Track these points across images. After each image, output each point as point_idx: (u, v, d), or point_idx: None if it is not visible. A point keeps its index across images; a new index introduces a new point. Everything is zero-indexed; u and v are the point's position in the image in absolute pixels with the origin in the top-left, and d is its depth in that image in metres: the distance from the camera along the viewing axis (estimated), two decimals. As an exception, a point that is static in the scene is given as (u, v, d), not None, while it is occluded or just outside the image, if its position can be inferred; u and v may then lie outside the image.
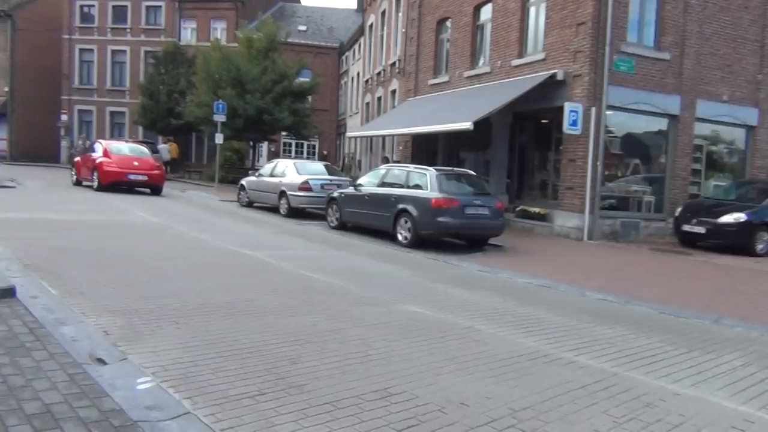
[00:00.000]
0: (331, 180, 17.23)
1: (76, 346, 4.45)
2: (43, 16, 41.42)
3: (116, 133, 40.40)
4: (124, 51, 40.53)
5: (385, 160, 20.83)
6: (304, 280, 7.94)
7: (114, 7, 40.65)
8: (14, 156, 40.92)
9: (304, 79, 29.15)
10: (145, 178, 19.84)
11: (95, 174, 19.72)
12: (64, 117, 40.82)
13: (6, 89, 41.59)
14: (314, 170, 17.99)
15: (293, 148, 40.87)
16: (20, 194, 17.19)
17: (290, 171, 17.41)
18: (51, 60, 41.43)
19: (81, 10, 41.29)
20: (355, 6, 43.47)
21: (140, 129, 38.41)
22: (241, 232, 12.83)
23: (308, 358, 4.68)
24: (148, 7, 40.04)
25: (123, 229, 11.72)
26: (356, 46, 35.22)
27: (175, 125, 32.11)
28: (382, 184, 13.87)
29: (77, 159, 22.50)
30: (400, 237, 12.80)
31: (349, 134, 27.67)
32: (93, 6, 40.98)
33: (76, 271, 7.29)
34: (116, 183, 19.54)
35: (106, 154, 19.92)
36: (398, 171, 13.95)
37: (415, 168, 13.56)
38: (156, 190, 20.34)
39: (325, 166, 19.54)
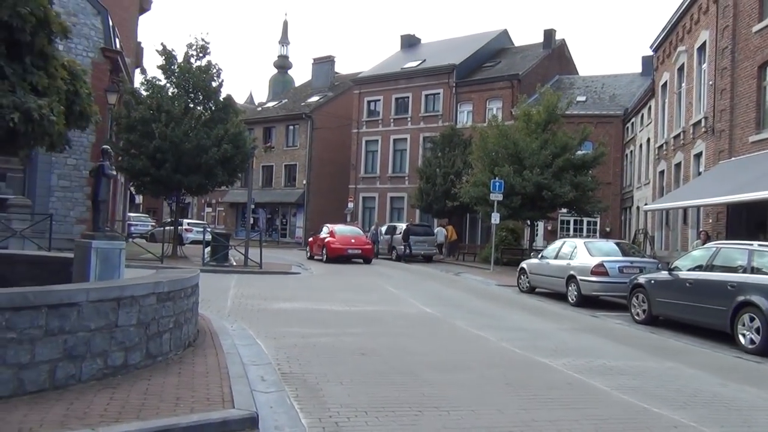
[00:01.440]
0: (631, 262, 14.31)
1: None
2: (336, 115, 45.59)
3: (395, 216, 41.80)
4: (405, 139, 42.31)
5: (705, 236, 17.03)
6: (644, 417, 5.44)
7: (397, 99, 43.01)
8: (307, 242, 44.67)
9: (585, 151, 26.64)
10: (359, 251, 25.20)
11: (324, 250, 24.41)
12: (350, 204, 43.60)
13: (304, 182, 46.13)
14: (607, 250, 15.23)
15: (571, 226, 37.92)
16: (302, 282, 17.35)
17: (580, 252, 14.93)
18: (341, 153, 45.04)
19: (368, 106, 44.50)
20: (639, 69, 39.90)
21: (417, 212, 39.10)
22: (530, 328, 10.68)
23: None
24: (427, 96, 41.51)
25: (395, 322, 10.41)
26: (644, 111, 31.69)
27: (450, 207, 31.74)
28: (710, 267, 10.67)
29: (310, 239, 28.64)
30: (742, 339, 9.48)
31: (647, 207, 24.05)
32: (378, 101, 43.88)
33: (337, 387, 5.87)
34: (339, 256, 24.03)
35: (332, 234, 25.04)
36: (735, 251, 10.60)
37: (761, 246, 10.15)
38: (367, 260, 25.07)
39: (619, 245, 16.57)
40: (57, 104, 8.22)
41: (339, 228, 26.79)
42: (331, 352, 7.52)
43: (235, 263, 18.90)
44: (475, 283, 19.59)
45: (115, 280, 7.70)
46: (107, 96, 21.60)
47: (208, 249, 18.72)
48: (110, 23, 23.16)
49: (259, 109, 55.90)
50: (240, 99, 72.53)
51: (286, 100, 53.40)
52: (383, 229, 34.17)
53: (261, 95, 59.77)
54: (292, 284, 15.97)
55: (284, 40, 78.99)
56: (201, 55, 21.56)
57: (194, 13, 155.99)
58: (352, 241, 25.35)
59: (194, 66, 21.41)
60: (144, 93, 20.75)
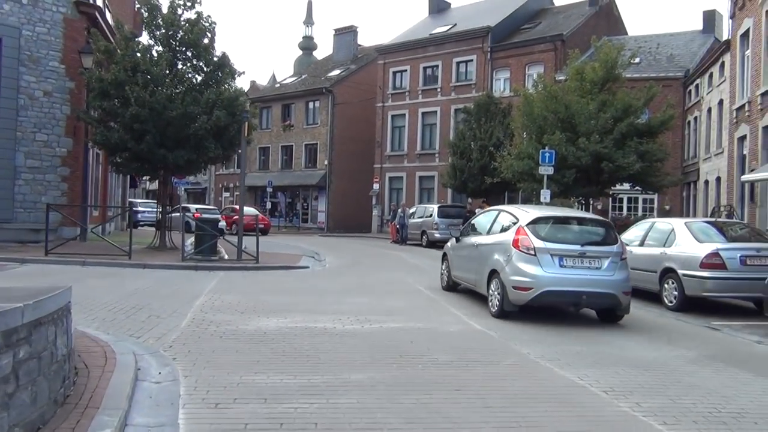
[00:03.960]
0: (757, 250, 10.30)
1: None
2: (359, 88, 41.73)
3: (425, 198, 37.93)
4: (434, 112, 38.29)
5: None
6: None
7: (425, 68, 38.95)
8: (330, 227, 41.10)
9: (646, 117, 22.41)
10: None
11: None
12: (376, 186, 39.85)
13: (326, 162, 42.47)
14: (713, 235, 11.19)
15: (624, 204, 33.61)
16: (306, 280, 13.61)
17: (682, 236, 10.93)
18: (365, 130, 41.26)
19: (394, 77, 40.52)
20: (700, 26, 35.15)
21: (449, 192, 35.19)
22: (637, 359, 6.81)
23: None
24: (458, 63, 37.38)
25: (429, 354, 6.62)
26: (714, 69, 27.16)
27: (487, 185, 27.74)
28: None
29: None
30: None
31: (748, 177, 19.63)
32: (405, 71, 39.86)
33: None
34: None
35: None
36: None
37: None
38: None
39: (718, 225, 12.34)
40: None
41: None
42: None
43: (226, 256, 15.31)
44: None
45: None
46: (81, 58, 18.11)
47: (190, 240, 15.19)
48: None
49: (277, 85, 52.28)
50: (262, 81, 69.14)
51: (305, 76, 49.67)
52: (412, 211, 30.37)
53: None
54: (292, 284, 12.30)
55: (309, 20, 75.37)
56: (189, 5, 17.89)
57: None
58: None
59: (181, 18, 17.75)
60: (119, 52, 17.18)
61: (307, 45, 73.76)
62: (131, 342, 6.45)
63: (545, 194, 20.00)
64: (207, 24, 18.11)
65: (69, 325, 4.57)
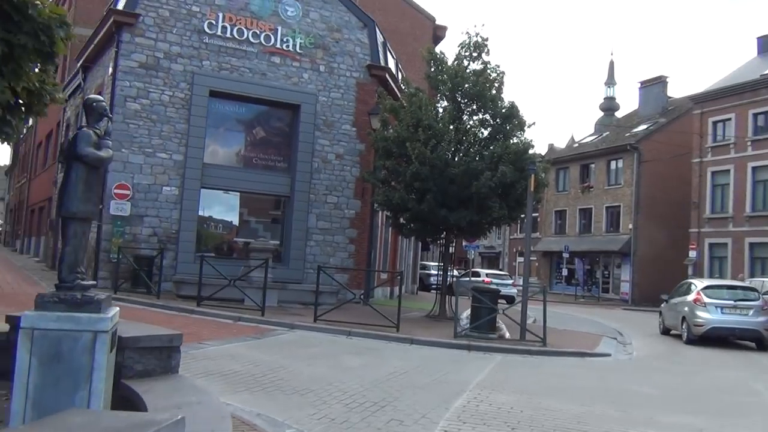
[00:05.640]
0: None
1: None
2: (670, 144, 36.67)
3: (758, 268, 30.94)
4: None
5: None
6: None
7: (755, 115, 32.58)
8: (634, 299, 36.13)
9: None
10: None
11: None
12: (692, 253, 33.95)
13: (630, 226, 37.91)
14: None
15: None
16: (609, 373, 10.48)
17: None
18: (677, 190, 35.88)
19: (714, 128, 34.75)
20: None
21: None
22: None
23: None
24: (800, 105, 30.42)
25: None
26: None
27: None
28: None
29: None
30: None
31: None
32: (729, 120, 33.87)
33: None
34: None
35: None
36: None
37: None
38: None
39: None
40: None
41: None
42: None
43: (507, 334, 12.93)
44: None
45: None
46: (370, 120, 18.02)
47: (467, 312, 13.17)
48: (378, 36, 19.81)
49: (575, 145, 49.21)
50: (560, 144, 66.30)
51: (606, 133, 45.89)
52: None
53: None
54: (586, 382, 9.39)
55: (610, 81, 71.08)
56: (476, 54, 16.62)
57: (500, 47, 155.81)
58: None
59: (466, 69, 16.53)
60: (404, 109, 16.52)
61: (609, 106, 69.26)
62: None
63: None
64: (495, 74, 16.60)
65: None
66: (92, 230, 17.17)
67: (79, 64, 21.26)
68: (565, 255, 39.18)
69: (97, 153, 3.76)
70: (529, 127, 16.61)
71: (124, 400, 4.83)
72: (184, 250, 16.51)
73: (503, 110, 16.35)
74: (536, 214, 42.26)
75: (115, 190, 15.92)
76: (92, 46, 19.05)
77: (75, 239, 3.77)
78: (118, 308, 4.01)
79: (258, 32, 17.79)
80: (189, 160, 16.77)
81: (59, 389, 3.48)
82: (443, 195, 15.27)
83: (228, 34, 17.41)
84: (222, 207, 18.27)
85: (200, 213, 17.34)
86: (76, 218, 3.75)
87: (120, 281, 15.09)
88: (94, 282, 3.98)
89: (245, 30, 17.62)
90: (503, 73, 16.72)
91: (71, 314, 3.55)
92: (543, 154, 27.31)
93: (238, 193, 18.20)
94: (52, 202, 26.23)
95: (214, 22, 17.24)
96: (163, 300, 14.00)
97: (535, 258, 45.10)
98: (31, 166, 35.82)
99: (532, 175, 13.96)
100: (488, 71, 16.48)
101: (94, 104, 3.94)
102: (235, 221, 18.57)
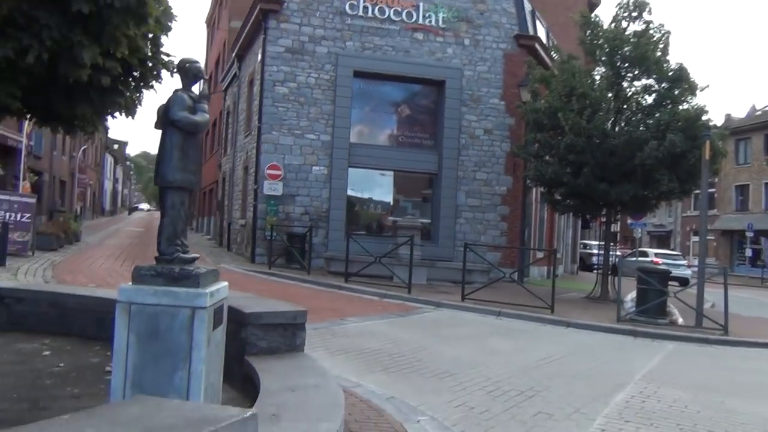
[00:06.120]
0: None
1: None
2: None
3: None
4: None
5: None
6: None
7: None
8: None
9: None
10: None
11: None
12: None
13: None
14: None
15: None
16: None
17: None
18: None
19: None
20: None
21: None
22: None
23: None
24: None
25: None
26: None
27: None
28: None
29: None
30: None
31: None
32: None
33: None
34: None
35: None
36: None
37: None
38: None
39: None
40: None
41: None
42: None
43: (680, 320, 11.41)
44: None
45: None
46: (520, 92, 16.98)
47: (632, 294, 11.80)
48: (526, 5, 18.61)
49: (758, 112, 43.72)
50: (739, 114, 58.94)
51: (798, 95, 40.19)
52: None
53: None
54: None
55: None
56: (636, 14, 14.94)
57: (664, 3, 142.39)
58: None
59: (626, 31, 14.92)
60: (555, 77, 15.29)
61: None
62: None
63: None
64: (659, 35, 14.82)
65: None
66: (249, 210, 18.03)
67: (233, 54, 22.26)
68: (749, 234, 35.11)
69: (192, 117, 3.47)
70: (701, 90, 14.65)
71: (247, 378, 4.60)
72: (334, 228, 16.75)
73: (670, 73, 14.56)
74: (713, 190, 38.26)
75: (268, 171, 16.46)
76: (243, 35, 19.82)
77: (173, 210, 3.52)
78: (225, 283, 3.70)
79: (399, 9, 17.45)
80: (336, 140, 16.90)
81: (158, 369, 3.25)
82: (602, 168, 13.95)
83: (370, 14, 17.26)
84: (375, 186, 18.23)
85: (352, 192, 17.47)
86: (173, 187, 3.49)
87: (274, 257, 15.63)
88: (197, 255, 3.66)
89: (386, 8, 17.36)
90: (668, 32, 14.89)
91: (168, 288, 3.29)
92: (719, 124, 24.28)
93: (392, 172, 18.05)
94: (218, 184, 28.03)
95: (355, 3, 17.16)
96: (313, 276, 14.24)
97: (713, 237, 40.70)
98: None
99: (707, 142, 12.22)
100: (651, 32, 14.77)
101: (187, 65, 3.67)
102: (389, 200, 18.49)
